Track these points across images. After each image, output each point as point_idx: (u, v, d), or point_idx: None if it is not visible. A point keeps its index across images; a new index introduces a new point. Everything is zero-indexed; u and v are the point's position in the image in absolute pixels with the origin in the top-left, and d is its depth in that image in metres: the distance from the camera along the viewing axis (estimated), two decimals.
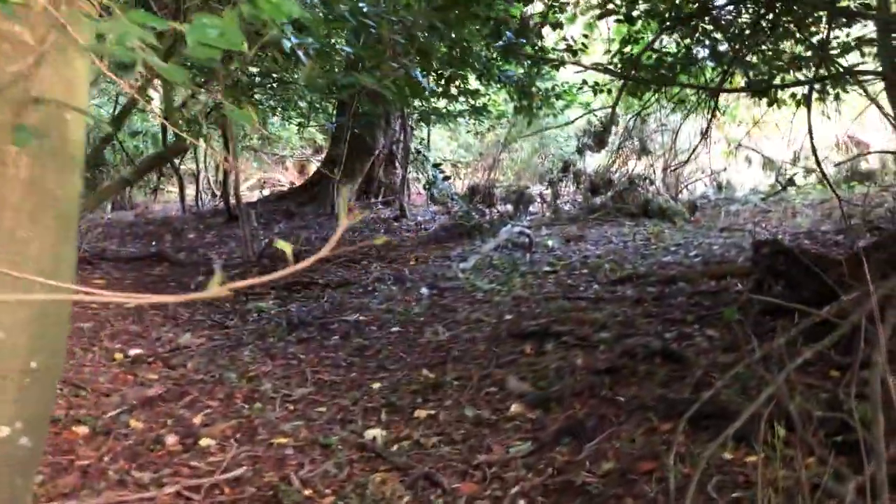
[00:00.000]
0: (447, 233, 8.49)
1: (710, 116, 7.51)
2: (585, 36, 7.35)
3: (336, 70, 3.80)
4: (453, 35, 4.45)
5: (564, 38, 7.00)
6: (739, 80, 7.24)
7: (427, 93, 6.70)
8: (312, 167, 19.19)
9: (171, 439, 3.22)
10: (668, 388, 3.44)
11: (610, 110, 8.25)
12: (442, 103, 10.80)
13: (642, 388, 3.46)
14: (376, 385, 3.92)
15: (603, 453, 2.87)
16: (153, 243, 8.92)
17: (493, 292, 5.90)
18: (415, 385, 3.88)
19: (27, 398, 1.70)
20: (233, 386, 3.93)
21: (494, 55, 8.61)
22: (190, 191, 14.58)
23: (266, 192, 15.60)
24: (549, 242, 7.83)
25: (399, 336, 4.84)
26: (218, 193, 13.05)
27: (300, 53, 3.54)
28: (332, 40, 3.75)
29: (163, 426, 3.41)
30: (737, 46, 6.15)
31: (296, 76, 7.71)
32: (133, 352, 4.45)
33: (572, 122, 9.56)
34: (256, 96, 9.77)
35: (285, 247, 1.12)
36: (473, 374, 3.97)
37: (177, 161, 13.05)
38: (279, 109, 11.55)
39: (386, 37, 3.88)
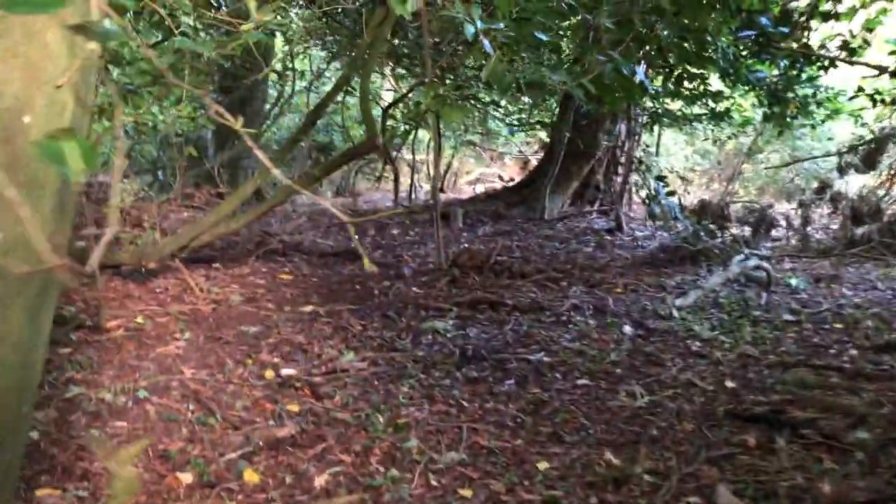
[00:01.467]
0: (667, 255, 7.37)
1: None
2: (870, 30, 5.86)
3: (524, 61, 3.04)
4: (686, 23, 3.47)
5: (840, 34, 5.60)
6: None
7: (649, 92, 5.66)
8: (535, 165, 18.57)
9: None
10: None
11: (888, 123, 6.65)
12: (677, 105, 9.59)
13: None
14: (543, 465, 3.10)
15: None
16: (355, 236, 8.71)
17: (713, 343, 4.80)
18: (591, 474, 3.00)
19: None
20: (375, 436, 3.31)
21: (743, 51, 7.32)
22: (407, 181, 14.58)
23: (482, 187, 15.17)
24: (793, 281, 6.45)
25: (585, 392, 3.96)
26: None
27: (486, 42, 2.80)
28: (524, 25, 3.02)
29: (279, 483, 2.86)
30: None
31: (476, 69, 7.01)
32: (286, 371, 4.02)
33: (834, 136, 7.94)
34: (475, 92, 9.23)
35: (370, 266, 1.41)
36: (672, 470, 3.02)
37: (394, 152, 13.02)
38: (501, 105, 10.95)
39: (600, 24, 3.04)
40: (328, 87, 14.19)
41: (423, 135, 16.09)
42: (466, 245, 7.99)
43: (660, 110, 9.46)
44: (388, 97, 13.42)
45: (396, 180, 12.56)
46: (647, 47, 3.55)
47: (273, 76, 11.93)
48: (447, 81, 5.92)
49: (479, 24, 2.85)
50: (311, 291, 5.88)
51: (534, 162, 18.43)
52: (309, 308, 5.34)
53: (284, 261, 6.86)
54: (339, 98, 13.83)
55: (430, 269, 6.78)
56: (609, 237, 8.69)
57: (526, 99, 10.54)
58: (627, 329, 5.12)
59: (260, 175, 5.65)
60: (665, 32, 3.32)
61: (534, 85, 3.20)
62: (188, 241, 5.32)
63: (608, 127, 10.61)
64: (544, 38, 2.86)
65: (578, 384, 4.07)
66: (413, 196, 12.90)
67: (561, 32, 2.97)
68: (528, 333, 4.96)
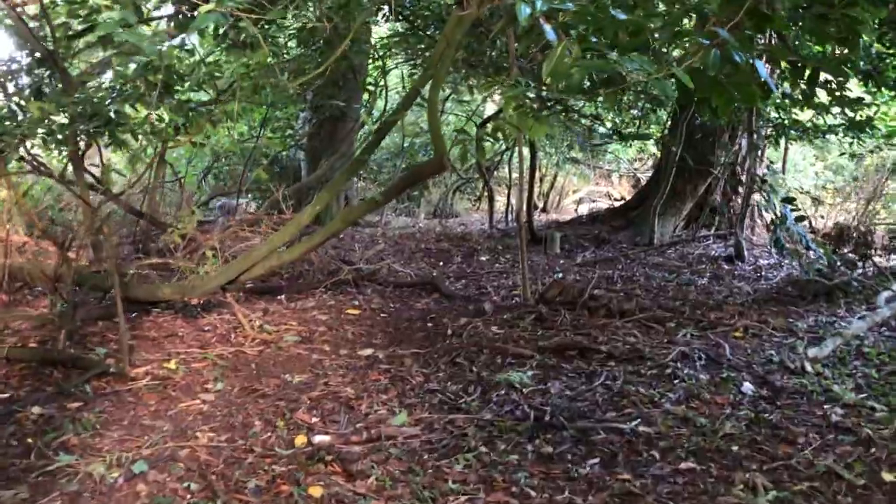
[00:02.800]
0: (796, 291, 6.26)
1: None
2: None
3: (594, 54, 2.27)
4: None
5: None
6: None
7: (774, 94, 4.67)
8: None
9: None
10: None
11: None
12: (806, 113, 8.40)
13: None
14: None
15: None
16: (439, 263, 8.06)
17: (860, 411, 3.78)
18: None
19: None
20: None
21: (890, 47, 6.18)
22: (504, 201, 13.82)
23: (582, 208, 14.19)
24: None
25: (690, 481, 3.07)
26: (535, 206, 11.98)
27: (546, 28, 2.04)
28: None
29: None
30: None
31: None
32: (319, 438, 3.35)
33: None
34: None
35: None
36: None
37: (491, 169, 12.32)
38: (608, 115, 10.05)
39: None
40: (423, 104, 13.73)
41: (525, 152, 15.33)
42: (559, 276, 7.14)
43: (786, 121, 8.27)
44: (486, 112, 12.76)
45: (491, 201, 11.86)
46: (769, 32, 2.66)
47: (365, 96, 11.49)
48: (531, 89, 5.17)
49: (538, 3, 2.08)
50: (377, 330, 5.23)
51: (645, 180, 17.28)
52: (368, 351, 4.68)
53: (356, 292, 6.28)
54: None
55: (515, 305, 6.00)
56: (727, 267, 7.61)
57: (634, 112, 9.61)
58: (747, 387, 4.15)
59: (318, 201, 5.07)
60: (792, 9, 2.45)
61: (611, 80, 2.41)
62: (237, 274, 4.80)
63: (726, 141, 9.50)
64: (623, 16, 2.09)
65: (681, 468, 3.18)
66: (509, 218, 12.13)
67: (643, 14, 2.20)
68: (623, 391, 4.08)
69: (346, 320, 5.40)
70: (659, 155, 10.74)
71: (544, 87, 4.22)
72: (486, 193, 13.32)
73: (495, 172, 13.80)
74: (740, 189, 9.74)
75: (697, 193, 9.58)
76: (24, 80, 5.59)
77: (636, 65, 2.10)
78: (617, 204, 11.44)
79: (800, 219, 7.30)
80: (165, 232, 6.16)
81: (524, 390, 4.09)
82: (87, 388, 3.70)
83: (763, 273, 7.33)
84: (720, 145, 9.45)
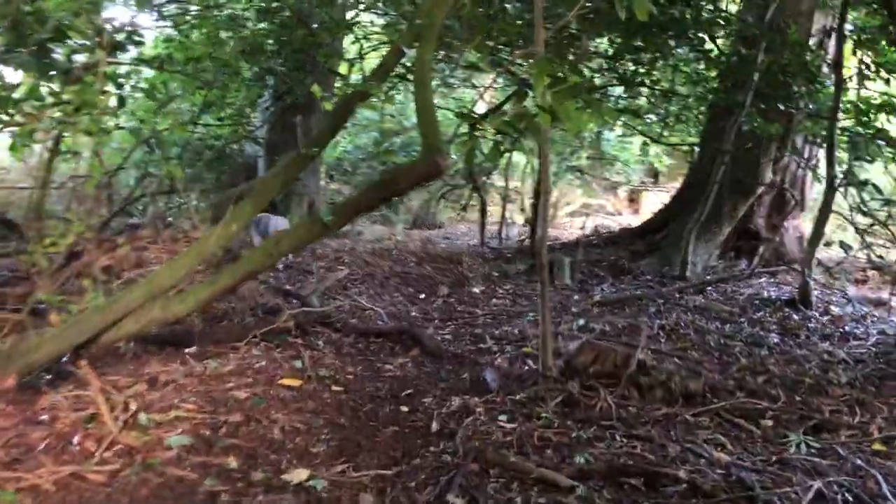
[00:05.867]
0: None
1: None
2: None
3: None
4: None
5: None
6: None
7: None
8: (648, 199, 15.61)
9: None
10: None
11: None
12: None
13: None
14: None
15: None
16: (420, 296, 6.21)
17: None
18: None
19: None
20: None
21: None
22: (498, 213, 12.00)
23: (588, 223, 12.37)
24: None
25: None
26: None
27: None
28: None
29: None
30: None
31: None
32: None
33: None
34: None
35: None
36: None
37: (482, 176, 10.48)
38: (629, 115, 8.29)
39: None
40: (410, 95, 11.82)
41: (518, 158, 13.50)
42: (580, 325, 5.32)
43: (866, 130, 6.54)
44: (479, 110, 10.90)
45: (483, 213, 10.01)
46: None
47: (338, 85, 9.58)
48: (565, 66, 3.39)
49: None
50: (323, 423, 3.36)
51: (650, 196, 15.52)
52: (301, 475, 2.81)
53: (301, 344, 4.40)
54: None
55: (530, 374, 4.16)
56: (796, 317, 5.82)
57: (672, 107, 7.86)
58: None
59: (234, 216, 3.21)
60: None
61: None
62: (94, 332, 2.92)
63: (773, 151, 7.77)
64: None
65: None
66: (504, 234, 10.31)
67: None
68: None
69: (277, 401, 3.52)
70: (692, 164, 8.96)
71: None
72: (474, 203, 11.50)
73: (486, 179, 11.94)
74: (793, 210, 8.03)
75: (738, 215, 7.82)
76: None
77: None
78: (635, 226, 9.62)
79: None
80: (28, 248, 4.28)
81: None
82: None
83: (846, 328, 5.55)
84: (768, 158, 7.72)
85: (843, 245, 6.26)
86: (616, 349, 4.15)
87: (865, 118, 6.21)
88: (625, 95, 8.21)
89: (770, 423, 3.57)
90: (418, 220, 13.74)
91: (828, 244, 7.11)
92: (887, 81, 6.43)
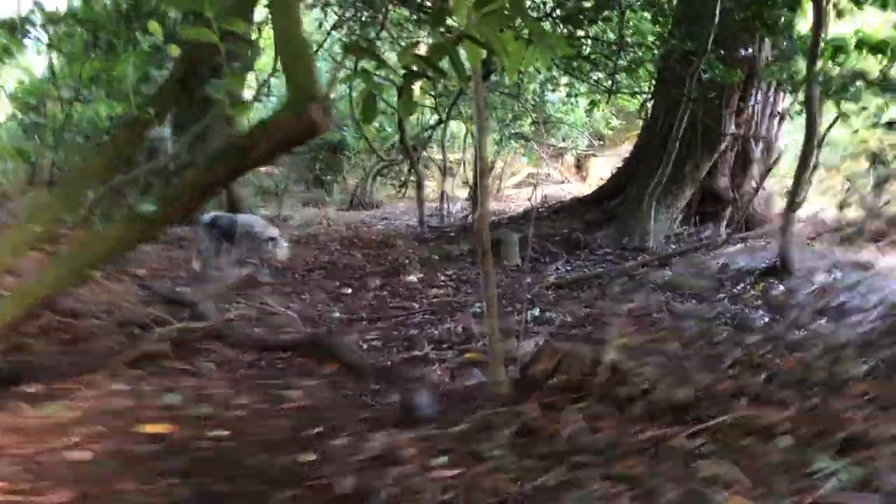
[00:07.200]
0: None
1: None
2: None
3: None
4: None
5: None
6: None
7: None
8: (596, 165, 14.85)
9: None
10: None
11: None
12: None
13: None
14: None
15: None
16: (347, 291, 5.27)
17: None
18: None
19: None
20: None
21: None
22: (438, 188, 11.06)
23: (535, 193, 11.51)
24: None
25: None
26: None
27: None
28: None
29: None
30: None
31: None
32: None
33: None
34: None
35: None
36: None
37: (418, 149, 9.54)
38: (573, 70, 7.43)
39: None
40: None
41: (459, 127, 12.55)
42: (534, 314, 4.45)
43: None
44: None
45: (420, 189, 9.07)
46: None
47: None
48: None
49: None
50: (188, 496, 2.39)
51: (598, 162, 14.78)
52: None
53: (182, 369, 3.43)
54: (348, 83, 10.38)
55: (476, 392, 3.27)
56: (781, 287, 5.05)
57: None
58: None
59: (37, 212, 2.20)
60: None
61: None
62: None
63: (734, 103, 7.02)
64: None
65: None
66: (446, 211, 9.38)
67: None
68: None
69: (131, 461, 2.55)
70: (645, 121, 8.15)
71: None
72: (413, 178, 10.53)
73: (423, 152, 10.97)
74: (753, 170, 7.31)
75: (701, 175, 7.06)
76: None
77: None
78: (588, 194, 8.80)
79: None
80: None
81: None
82: None
83: (842, 298, 4.80)
84: (730, 110, 6.96)
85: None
86: (582, 351, 3.29)
87: (842, 56, 5.45)
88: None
89: (787, 441, 2.75)
90: (354, 200, 12.75)
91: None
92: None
